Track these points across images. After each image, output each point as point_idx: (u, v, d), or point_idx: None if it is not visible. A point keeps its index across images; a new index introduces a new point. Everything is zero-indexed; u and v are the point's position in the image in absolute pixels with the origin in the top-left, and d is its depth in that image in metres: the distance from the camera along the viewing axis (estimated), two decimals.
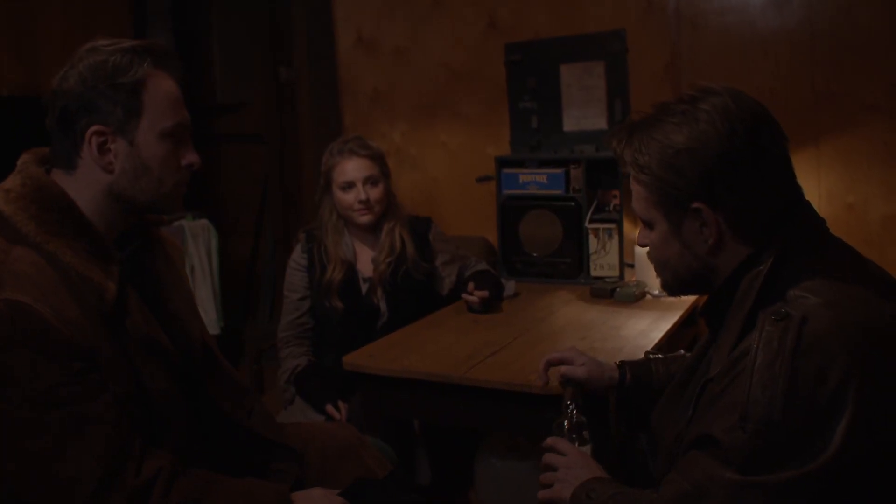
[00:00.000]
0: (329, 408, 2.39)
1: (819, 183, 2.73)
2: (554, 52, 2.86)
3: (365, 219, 2.54)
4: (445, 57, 3.25)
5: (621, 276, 2.73)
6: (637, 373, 1.60)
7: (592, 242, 2.75)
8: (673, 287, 1.32)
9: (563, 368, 1.61)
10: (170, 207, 1.45)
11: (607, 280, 2.70)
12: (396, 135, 3.39)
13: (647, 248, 1.31)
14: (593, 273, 2.76)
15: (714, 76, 2.78)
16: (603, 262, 2.74)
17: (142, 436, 1.30)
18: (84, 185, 1.35)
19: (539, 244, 2.82)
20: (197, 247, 3.63)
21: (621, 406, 1.61)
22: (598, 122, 2.82)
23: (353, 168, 2.52)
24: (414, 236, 2.60)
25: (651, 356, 1.66)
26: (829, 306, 1.07)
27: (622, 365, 1.62)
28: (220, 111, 4.90)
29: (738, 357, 1.11)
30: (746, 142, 1.16)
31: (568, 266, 2.78)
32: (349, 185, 2.52)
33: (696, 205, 1.18)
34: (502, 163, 2.87)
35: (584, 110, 2.85)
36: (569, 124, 2.88)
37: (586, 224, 2.74)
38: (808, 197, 2.97)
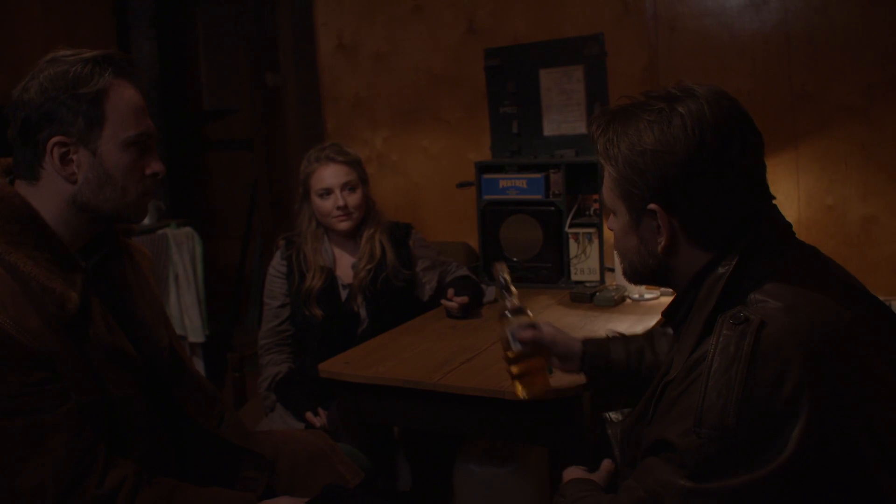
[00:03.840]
0: (308, 415, 2.39)
1: (798, 185, 2.73)
2: (533, 57, 2.86)
3: (344, 225, 2.54)
4: (425, 62, 3.25)
5: (602, 281, 2.73)
6: (594, 360, 1.65)
7: (573, 247, 2.75)
8: (631, 277, 1.33)
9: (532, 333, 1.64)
10: (135, 216, 1.45)
11: (587, 284, 2.70)
12: (378, 140, 3.39)
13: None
14: (574, 278, 2.76)
15: (692, 79, 2.71)
16: (583, 266, 2.74)
17: (106, 445, 1.30)
18: (47, 196, 1.35)
19: (519, 249, 2.82)
20: (181, 254, 3.63)
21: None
22: (578, 127, 2.83)
23: (330, 175, 2.52)
24: (394, 243, 2.60)
25: (610, 335, 1.70)
26: (788, 311, 1.07)
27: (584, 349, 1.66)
28: (207, 118, 4.90)
29: (696, 360, 1.11)
30: (713, 153, 1.15)
31: (548, 271, 2.78)
32: (327, 192, 2.52)
33: (651, 206, 1.18)
34: (482, 168, 2.87)
35: (563, 114, 2.85)
36: (549, 129, 2.89)
37: (566, 229, 2.74)
38: (787, 199, 2.96)
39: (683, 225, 1.19)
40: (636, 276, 1.31)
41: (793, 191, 2.74)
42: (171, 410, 1.48)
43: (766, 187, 1.22)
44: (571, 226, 2.75)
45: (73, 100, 1.32)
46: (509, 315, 1.63)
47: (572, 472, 1.39)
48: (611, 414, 1.60)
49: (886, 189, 2.64)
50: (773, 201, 1.22)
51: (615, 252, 1.35)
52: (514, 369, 1.63)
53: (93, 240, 1.43)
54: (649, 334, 1.67)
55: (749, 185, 1.19)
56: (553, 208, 2.76)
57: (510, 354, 1.62)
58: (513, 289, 1.67)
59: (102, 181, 1.35)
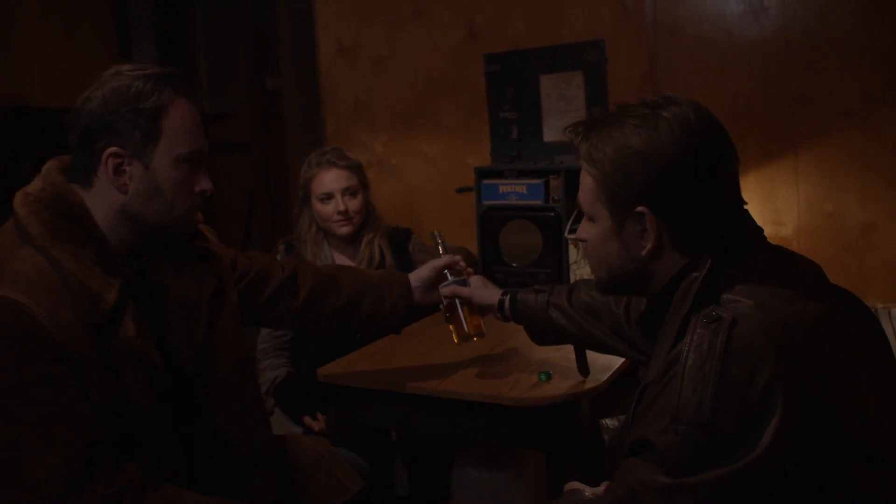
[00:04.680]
0: (307, 419, 2.40)
1: (797, 191, 2.74)
2: (533, 63, 2.86)
3: (344, 230, 2.54)
4: (425, 66, 3.25)
5: None
6: (511, 307, 1.81)
7: (572, 253, 2.75)
8: (607, 286, 1.33)
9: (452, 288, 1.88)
10: (182, 229, 1.48)
11: None
12: (377, 144, 3.40)
13: (587, 244, 1.32)
14: None
15: (692, 84, 2.80)
16: (582, 272, 2.74)
17: (116, 447, 1.31)
18: (98, 202, 1.39)
19: (519, 254, 2.82)
20: None
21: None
22: None
23: (331, 179, 2.52)
24: (393, 247, 2.60)
25: (537, 288, 1.80)
26: (760, 309, 1.09)
27: (503, 300, 1.82)
28: (206, 121, 4.89)
29: (672, 360, 1.12)
30: (698, 156, 1.18)
31: (548, 276, 2.77)
32: (328, 197, 2.52)
33: (639, 208, 1.20)
34: (482, 173, 2.87)
35: (563, 120, 2.84)
36: (549, 134, 2.88)
37: (566, 234, 2.74)
38: (787, 205, 2.96)
39: (669, 228, 1.21)
40: (614, 284, 1.32)
41: (792, 196, 2.74)
42: (189, 419, 1.47)
43: (740, 193, 1.25)
44: (571, 231, 2.75)
45: (133, 114, 1.36)
46: (447, 274, 1.92)
47: (571, 486, 1.40)
48: (607, 421, 1.61)
49: (885, 195, 2.65)
50: (745, 206, 1.25)
51: (589, 261, 1.33)
52: (447, 321, 1.91)
53: (138, 246, 1.45)
54: (572, 286, 1.74)
55: (726, 191, 1.22)
56: (552, 214, 2.76)
57: (442, 307, 1.92)
58: (448, 251, 1.96)
59: (152, 194, 1.40)
